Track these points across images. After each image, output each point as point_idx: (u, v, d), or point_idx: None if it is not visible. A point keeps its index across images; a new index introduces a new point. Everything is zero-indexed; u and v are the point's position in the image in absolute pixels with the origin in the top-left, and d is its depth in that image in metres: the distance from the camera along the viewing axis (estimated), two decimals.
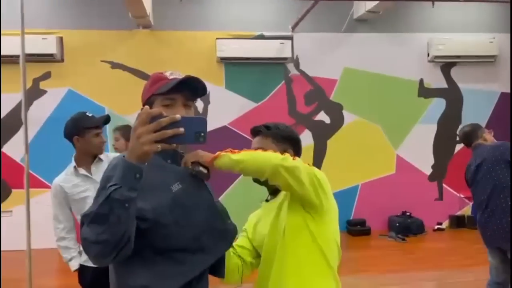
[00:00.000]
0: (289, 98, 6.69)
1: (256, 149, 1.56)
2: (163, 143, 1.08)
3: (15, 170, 5.92)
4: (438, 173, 6.98)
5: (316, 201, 1.49)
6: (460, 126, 3.59)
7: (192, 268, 1.31)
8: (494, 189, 3.10)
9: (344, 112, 6.78)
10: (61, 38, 6.18)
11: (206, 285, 1.39)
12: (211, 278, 1.44)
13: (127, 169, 1.09)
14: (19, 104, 6.00)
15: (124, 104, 5.89)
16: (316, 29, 6.62)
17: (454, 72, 6.98)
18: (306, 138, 6.63)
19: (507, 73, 6.79)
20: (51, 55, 6.01)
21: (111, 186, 1.09)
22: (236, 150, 1.40)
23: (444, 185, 6.98)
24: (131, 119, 5.57)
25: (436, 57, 6.78)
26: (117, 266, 1.30)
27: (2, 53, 5.65)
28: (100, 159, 2.62)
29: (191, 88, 1.34)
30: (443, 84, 6.98)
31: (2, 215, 6.03)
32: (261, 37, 6.53)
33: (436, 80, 6.96)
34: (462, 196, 6.88)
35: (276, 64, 6.60)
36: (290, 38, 6.51)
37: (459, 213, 6.94)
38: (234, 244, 1.64)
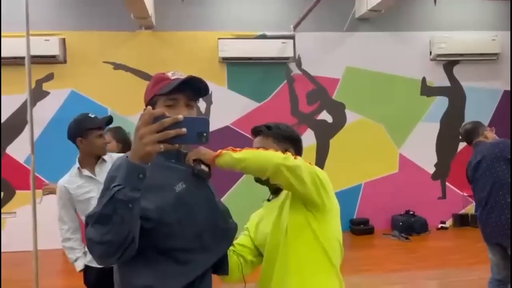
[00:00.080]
0: (292, 97, 6.69)
1: (257, 148, 1.56)
2: (165, 144, 1.09)
3: (19, 171, 5.95)
4: (441, 172, 6.97)
5: (317, 200, 1.49)
6: (461, 126, 3.60)
7: (195, 268, 1.32)
8: (493, 186, 3.12)
9: (347, 111, 6.78)
10: (63, 40, 6.20)
11: (209, 284, 1.40)
12: (213, 279, 1.45)
13: (130, 170, 1.10)
14: (23, 106, 6.05)
15: (126, 105, 5.91)
16: (318, 28, 6.61)
17: (457, 70, 6.96)
18: (309, 138, 6.63)
19: (510, 71, 6.77)
20: (53, 56, 6.04)
21: (114, 186, 1.10)
22: (238, 149, 1.40)
23: (447, 183, 6.97)
24: (133, 119, 5.59)
25: (439, 55, 6.77)
26: (121, 265, 1.31)
27: (6, 55, 5.71)
28: (104, 160, 2.63)
29: (193, 88, 1.34)
30: (446, 83, 6.97)
31: (6, 216, 6.08)
32: (263, 36, 6.53)
33: (439, 79, 6.95)
34: (465, 194, 6.86)
35: (278, 64, 6.60)
36: (292, 37, 6.51)
37: (462, 211, 6.92)
38: (234, 242, 1.65)
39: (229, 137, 6.17)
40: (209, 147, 1.28)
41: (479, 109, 6.72)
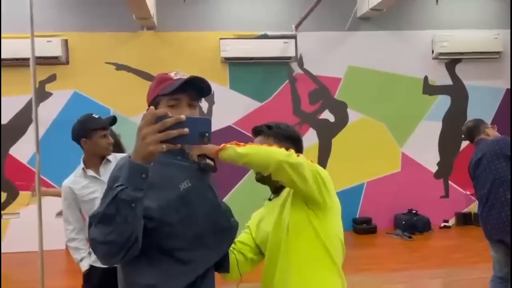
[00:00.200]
0: (294, 97, 6.69)
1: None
2: (168, 143, 1.09)
3: (22, 172, 5.97)
4: (444, 171, 6.96)
5: (319, 198, 1.50)
6: (464, 124, 3.61)
7: (196, 267, 1.33)
8: (493, 183, 3.13)
9: (349, 111, 6.77)
10: (66, 41, 6.22)
11: (212, 282, 1.41)
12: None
13: (133, 169, 1.11)
14: (25, 107, 6.07)
15: (129, 106, 5.92)
16: (319, 28, 6.61)
17: (459, 69, 6.95)
18: (311, 137, 6.63)
19: (510, 70, 6.74)
20: (56, 57, 6.05)
21: (117, 186, 1.11)
22: (242, 144, 1.41)
23: (450, 182, 6.96)
24: (136, 120, 5.61)
25: (441, 54, 6.75)
26: (124, 265, 1.32)
27: (7, 56, 5.74)
28: (108, 160, 2.64)
29: (196, 88, 1.35)
30: (448, 81, 6.96)
31: (10, 217, 6.11)
32: (265, 36, 6.53)
33: (441, 77, 6.93)
34: (468, 193, 6.85)
35: (280, 64, 6.60)
36: (294, 37, 6.51)
37: (465, 210, 6.91)
38: (235, 240, 1.66)
39: (231, 137, 6.12)
40: None
41: (482, 108, 6.70)
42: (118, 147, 3.43)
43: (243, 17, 6.54)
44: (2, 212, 6.06)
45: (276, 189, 1.68)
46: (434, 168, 6.95)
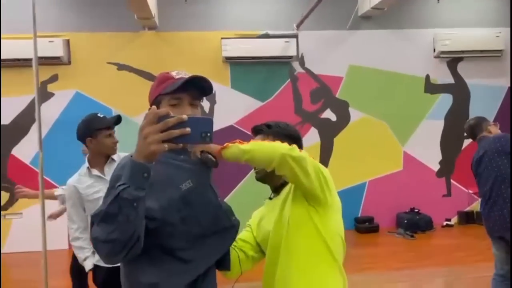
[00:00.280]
0: (295, 96, 6.69)
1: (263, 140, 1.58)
2: (170, 143, 1.10)
3: (25, 172, 5.98)
4: (446, 169, 6.95)
5: (320, 195, 1.50)
6: (466, 122, 3.61)
7: (198, 266, 1.34)
8: (495, 180, 3.14)
9: (351, 110, 6.77)
10: (67, 41, 6.23)
11: (213, 280, 1.42)
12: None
13: (135, 169, 1.11)
14: (28, 107, 6.09)
15: (131, 105, 5.93)
16: (320, 27, 6.61)
17: (461, 68, 6.93)
18: (313, 136, 6.64)
19: (510, 68, 6.72)
20: (58, 58, 6.07)
21: (119, 185, 1.11)
22: (245, 142, 1.42)
23: (452, 181, 6.95)
24: (138, 120, 5.62)
25: (442, 52, 6.74)
26: (127, 264, 1.33)
27: (8, 57, 5.75)
28: (113, 160, 2.65)
29: (198, 87, 1.35)
30: (450, 80, 6.94)
31: (13, 217, 6.12)
32: (266, 36, 6.53)
33: (443, 76, 6.92)
34: (470, 192, 6.84)
35: (281, 63, 6.60)
36: (295, 36, 6.51)
37: (467, 209, 6.90)
38: (237, 237, 1.66)
39: (233, 136, 6.14)
40: None
41: (484, 106, 6.68)
42: None
43: (244, 16, 6.55)
44: (5, 212, 6.09)
45: (277, 188, 1.69)
46: (436, 167, 6.94)
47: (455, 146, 6.92)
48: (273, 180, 1.65)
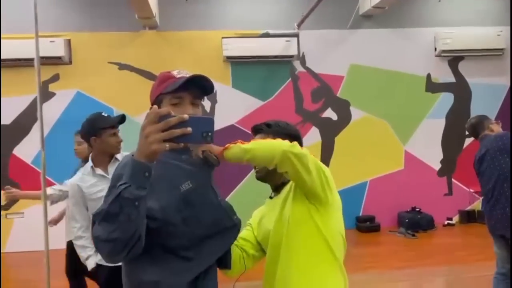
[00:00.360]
0: (296, 95, 6.69)
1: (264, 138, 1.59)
2: (171, 142, 1.10)
3: (26, 172, 6.00)
4: (447, 168, 6.94)
5: (321, 193, 1.51)
6: (467, 121, 3.61)
7: (200, 264, 1.34)
8: (498, 178, 3.14)
9: (352, 109, 6.77)
10: (68, 41, 6.24)
11: (214, 277, 1.42)
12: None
13: (136, 168, 1.11)
14: (29, 107, 6.10)
15: (132, 105, 5.93)
16: (321, 26, 6.61)
17: (462, 66, 6.93)
18: (314, 136, 6.64)
19: (510, 67, 6.71)
20: (59, 57, 6.08)
21: (120, 185, 1.11)
22: (246, 142, 1.42)
23: (453, 180, 6.94)
24: (139, 119, 5.62)
25: (443, 51, 6.73)
26: (128, 262, 1.33)
27: (11, 57, 5.76)
28: (117, 159, 2.64)
29: (199, 87, 1.35)
30: (451, 79, 6.94)
31: (14, 217, 6.13)
32: (267, 35, 6.53)
33: (444, 75, 6.92)
34: (472, 191, 6.84)
35: (282, 62, 6.60)
36: (296, 35, 6.51)
37: (469, 208, 6.90)
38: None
39: (234, 136, 6.16)
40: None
41: (485, 105, 6.67)
42: None
43: (245, 16, 6.55)
44: (7, 212, 6.10)
45: (277, 187, 1.69)
46: (437, 166, 6.94)
47: (456, 145, 6.92)
48: (274, 179, 1.66)
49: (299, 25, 6.47)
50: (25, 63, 5.79)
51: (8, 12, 5.81)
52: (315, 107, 6.72)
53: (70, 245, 3.19)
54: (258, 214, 1.77)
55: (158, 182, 1.26)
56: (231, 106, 6.45)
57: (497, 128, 3.36)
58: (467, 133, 3.58)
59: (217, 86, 5.85)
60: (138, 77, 6.35)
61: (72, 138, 3.59)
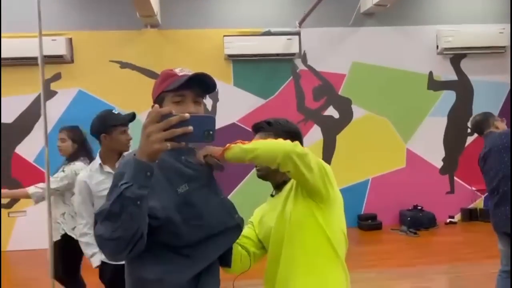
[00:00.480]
0: (298, 94, 6.68)
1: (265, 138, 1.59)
2: (172, 142, 1.10)
3: (29, 170, 6.01)
4: (449, 166, 6.93)
5: (323, 190, 1.51)
6: (471, 118, 3.59)
7: (202, 261, 1.34)
8: (502, 176, 3.13)
9: (353, 107, 6.76)
10: (70, 39, 6.24)
11: (216, 273, 1.43)
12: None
13: (138, 168, 1.11)
14: (31, 106, 6.11)
15: (133, 104, 5.90)
16: (323, 24, 6.59)
17: (464, 64, 6.91)
18: (315, 134, 6.63)
19: (510, 65, 6.68)
20: (60, 56, 6.08)
21: (122, 184, 1.11)
22: (246, 142, 1.42)
23: (455, 178, 6.93)
24: (140, 118, 5.62)
25: (445, 49, 6.72)
26: (130, 261, 1.33)
27: (12, 56, 5.77)
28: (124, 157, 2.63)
29: (201, 85, 1.35)
30: (453, 77, 6.92)
31: (17, 215, 6.15)
32: (268, 33, 6.52)
33: (446, 73, 6.90)
34: (474, 189, 6.83)
35: (283, 60, 6.59)
36: (297, 33, 6.50)
37: (471, 206, 6.89)
38: None
39: (236, 134, 6.15)
40: (215, 144, 1.29)
41: (487, 103, 6.65)
42: (84, 147, 3.43)
43: (247, 14, 6.54)
44: (9, 210, 6.11)
45: (278, 185, 1.69)
46: (439, 164, 6.93)
47: (458, 143, 6.91)
48: (275, 177, 1.66)
49: (300, 23, 6.46)
50: (26, 62, 5.80)
51: (8, 12, 5.81)
52: (316, 105, 6.71)
53: (56, 244, 3.16)
54: (259, 212, 1.78)
55: (158, 182, 1.26)
56: (232, 104, 6.44)
57: (502, 126, 3.35)
58: (469, 131, 3.58)
59: (218, 84, 5.81)
60: (140, 76, 6.35)
61: None
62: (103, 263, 2.60)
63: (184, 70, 1.37)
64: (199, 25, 6.44)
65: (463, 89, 6.91)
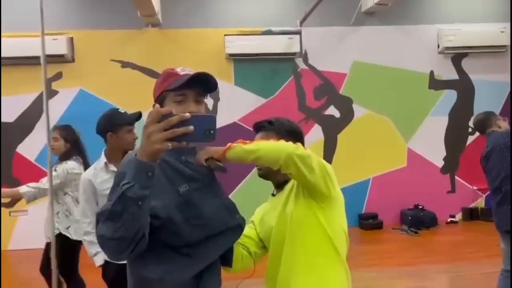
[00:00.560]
0: (299, 93, 6.68)
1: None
2: (173, 142, 1.10)
3: (30, 169, 6.01)
4: (451, 166, 6.93)
5: (324, 190, 1.51)
6: (473, 117, 3.58)
7: (203, 261, 1.35)
8: (505, 174, 3.13)
9: (354, 106, 6.76)
10: (71, 39, 6.25)
11: (218, 272, 1.43)
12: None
13: (139, 168, 1.11)
14: (32, 105, 6.12)
15: (134, 103, 5.89)
16: (324, 23, 6.59)
17: (465, 63, 6.90)
18: (316, 133, 6.63)
19: (510, 64, 6.67)
20: (62, 55, 6.08)
21: (124, 184, 1.11)
22: (248, 141, 1.42)
23: (456, 177, 6.93)
24: (142, 117, 5.63)
25: (447, 48, 6.71)
26: (132, 260, 1.33)
27: (8, 55, 5.76)
28: None
29: (202, 84, 1.35)
30: (454, 76, 6.91)
31: (18, 214, 6.16)
32: (269, 32, 6.52)
33: (447, 72, 6.89)
34: (475, 188, 6.82)
35: (284, 60, 6.59)
36: (298, 33, 6.50)
37: (472, 205, 6.88)
38: None
39: (236, 133, 6.15)
40: (216, 143, 1.29)
41: (488, 102, 6.63)
42: (77, 146, 3.42)
43: (248, 13, 6.54)
44: (10, 209, 6.12)
45: (279, 184, 1.69)
46: (440, 163, 6.92)
47: (459, 143, 6.90)
48: (276, 176, 1.66)
49: (301, 23, 6.45)
50: (28, 61, 5.80)
51: (8, 11, 5.81)
52: (317, 104, 6.71)
53: (48, 244, 3.16)
54: (260, 211, 1.78)
55: (159, 181, 1.27)
56: (233, 103, 6.44)
57: (504, 125, 3.35)
58: (470, 130, 3.57)
59: (219, 83, 5.81)
60: (141, 75, 6.35)
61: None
62: (106, 262, 2.59)
63: (186, 69, 1.37)
64: (200, 24, 6.44)
65: (464, 88, 6.90)
